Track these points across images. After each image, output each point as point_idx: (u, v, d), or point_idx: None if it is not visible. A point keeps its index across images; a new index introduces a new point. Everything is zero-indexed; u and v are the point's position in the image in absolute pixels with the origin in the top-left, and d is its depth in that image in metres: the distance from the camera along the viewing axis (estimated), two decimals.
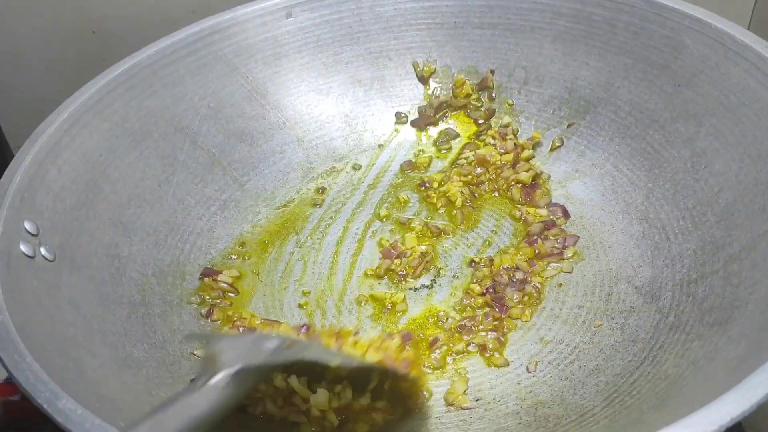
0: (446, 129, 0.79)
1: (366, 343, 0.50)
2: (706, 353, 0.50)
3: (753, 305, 0.50)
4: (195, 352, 0.59)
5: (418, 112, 0.80)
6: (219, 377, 0.42)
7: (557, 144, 0.74)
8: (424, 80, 0.80)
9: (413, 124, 0.80)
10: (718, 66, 0.62)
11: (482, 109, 0.79)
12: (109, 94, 0.66)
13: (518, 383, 0.56)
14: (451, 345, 0.59)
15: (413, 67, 0.79)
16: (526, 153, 0.73)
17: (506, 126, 0.76)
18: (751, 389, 0.37)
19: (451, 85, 0.79)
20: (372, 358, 0.49)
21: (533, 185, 0.71)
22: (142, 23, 0.86)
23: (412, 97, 0.81)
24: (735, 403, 0.36)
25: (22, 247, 0.51)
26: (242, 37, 0.75)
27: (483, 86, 0.78)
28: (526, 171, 0.72)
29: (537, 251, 0.65)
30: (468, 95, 0.79)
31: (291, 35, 0.77)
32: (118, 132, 0.65)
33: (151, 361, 0.55)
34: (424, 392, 0.56)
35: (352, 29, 0.78)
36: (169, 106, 0.70)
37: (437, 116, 0.80)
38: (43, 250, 0.53)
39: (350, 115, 0.80)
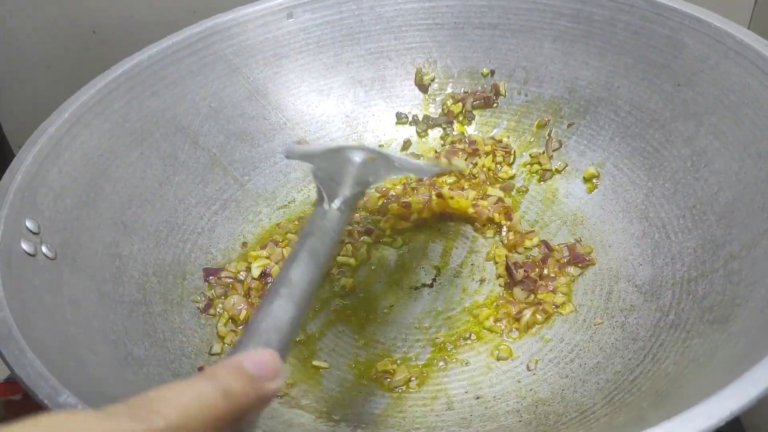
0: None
1: None
2: (707, 351, 0.49)
3: (753, 303, 0.49)
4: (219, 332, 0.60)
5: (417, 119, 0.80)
6: (340, 200, 0.47)
7: (556, 146, 0.74)
8: (423, 88, 0.80)
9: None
10: (718, 65, 0.62)
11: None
12: (110, 94, 0.66)
13: (518, 381, 0.56)
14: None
15: (415, 73, 0.79)
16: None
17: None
18: (751, 384, 0.37)
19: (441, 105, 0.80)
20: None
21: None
22: (143, 23, 0.86)
23: (412, 97, 0.81)
24: (734, 398, 0.36)
25: (24, 246, 0.52)
26: (243, 38, 0.75)
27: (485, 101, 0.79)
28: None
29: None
30: (457, 114, 0.79)
31: (292, 36, 0.77)
32: (119, 132, 0.66)
33: (151, 359, 0.55)
34: None
35: (353, 30, 0.79)
36: (170, 106, 0.70)
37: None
38: (44, 249, 0.53)
39: (351, 115, 0.80)
